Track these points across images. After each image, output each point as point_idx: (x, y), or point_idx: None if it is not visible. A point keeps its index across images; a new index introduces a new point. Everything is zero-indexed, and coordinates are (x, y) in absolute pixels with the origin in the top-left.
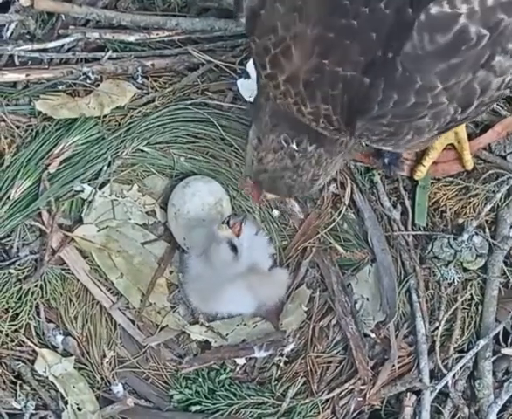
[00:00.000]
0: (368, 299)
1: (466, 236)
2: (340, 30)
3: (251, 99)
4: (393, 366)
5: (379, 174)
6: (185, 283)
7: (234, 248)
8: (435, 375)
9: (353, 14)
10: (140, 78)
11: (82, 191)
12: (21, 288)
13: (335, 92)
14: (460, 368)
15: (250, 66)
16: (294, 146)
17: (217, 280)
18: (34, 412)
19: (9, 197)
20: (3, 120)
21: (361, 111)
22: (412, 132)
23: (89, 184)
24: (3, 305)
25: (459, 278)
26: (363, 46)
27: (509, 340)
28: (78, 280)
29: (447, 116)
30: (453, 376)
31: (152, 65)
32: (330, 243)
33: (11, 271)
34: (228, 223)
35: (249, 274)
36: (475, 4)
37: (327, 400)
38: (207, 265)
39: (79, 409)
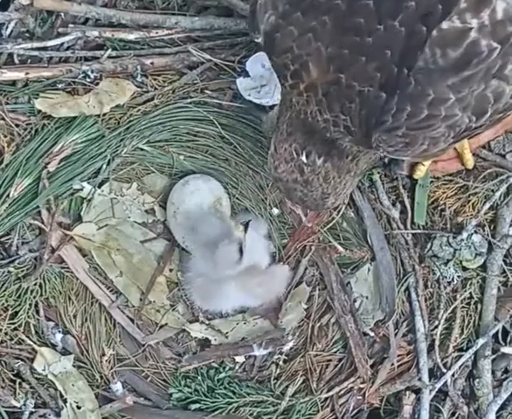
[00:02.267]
0: (367, 298)
1: (465, 234)
2: (354, 47)
3: (250, 98)
4: (392, 364)
5: (378, 172)
6: (185, 281)
7: (241, 250)
8: (434, 374)
9: (367, 31)
10: (139, 76)
11: (81, 190)
12: (20, 286)
13: (352, 105)
14: (460, 367)
15: (249, 65)
16: (303, 158)
17: (216, 278)
18: (33, 410)
19: (8, 196)
20: (3, 119)
21: (377, 123)
22: (428, 142)
23: (88, 183)
24: (3, 304)
25: (458, 276)
26: (379, 63)
27: (509, 339)
28: (77, 279)
29: (462, 125)
30: (453, 375)
31: (151, 63)
32: (330, 241)
33: (11, 269)
34: (247, 225)
35: (246, 274)
36: (485, 19)
37: (326, 398)
38: (208, 262)
39: (79, 408)
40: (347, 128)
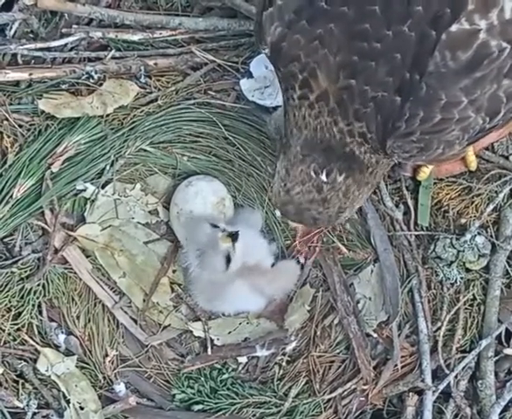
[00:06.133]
0: (370, 299)
1: (468, 236)
2: (362, 52)
3: (254, 99)
4: (395, 366)
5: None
6: (188, 283)
7: (228, 260)
8: (437, 375)
9: (375, 37)
10: (143, 77)
11: (85, 190)
12: (23, 287)
13: (368, 110)
14: (463, 368)
15: (253, 66)
16: (324, 177)
17: (217, 281)
18: (36, 411)
19: (11, 196)
20: (6, 119)
21: (392, 129)
22: (443, 146)
23: (92, 183)
24: (6, 304)
25: (461, 278)
26: (390, 67)
27: None
28: (80, 279)
29: (476, 127)
30: (456, 376)
31: (155, 64)
32: (333, 242)
33: (14, 269)
34: (235, 237)
35: (250, 273)
36: (494, 19)
37: (329, 399)
38: (202, 266)
39: (82, 408)
40: (363, 136)
